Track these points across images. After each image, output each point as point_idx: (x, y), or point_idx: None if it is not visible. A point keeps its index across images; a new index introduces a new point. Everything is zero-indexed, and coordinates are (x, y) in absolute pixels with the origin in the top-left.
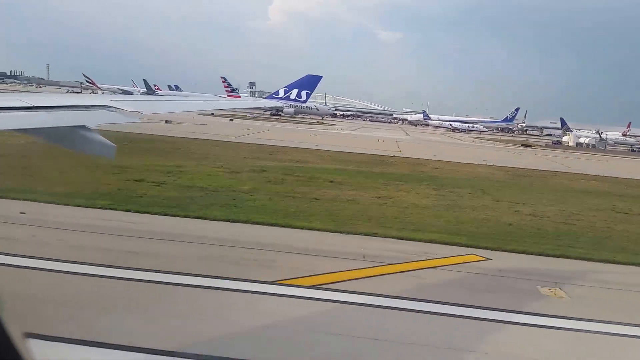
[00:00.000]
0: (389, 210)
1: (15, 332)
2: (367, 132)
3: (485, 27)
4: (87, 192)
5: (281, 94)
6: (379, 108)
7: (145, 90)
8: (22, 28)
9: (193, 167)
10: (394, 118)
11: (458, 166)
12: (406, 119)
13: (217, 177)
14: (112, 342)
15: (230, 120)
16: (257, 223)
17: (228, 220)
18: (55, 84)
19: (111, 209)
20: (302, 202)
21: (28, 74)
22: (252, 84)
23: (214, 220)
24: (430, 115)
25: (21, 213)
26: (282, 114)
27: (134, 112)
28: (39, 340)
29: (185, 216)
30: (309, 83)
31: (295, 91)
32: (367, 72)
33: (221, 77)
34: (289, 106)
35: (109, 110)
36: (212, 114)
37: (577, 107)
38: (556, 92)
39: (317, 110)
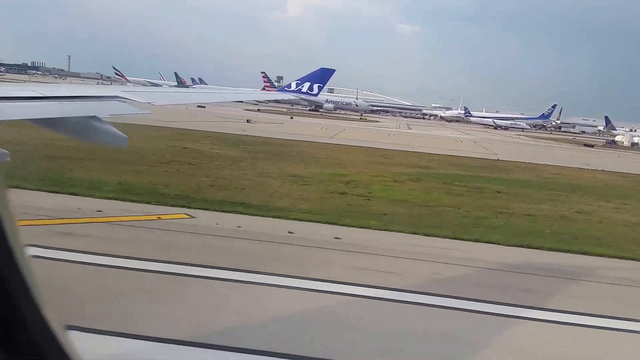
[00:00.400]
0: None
1: (56, 324)
2: (424, 130)
3: (505, 21)
4: (328, 209)
5: (293, 86)
6: (407, 103)
7: (175, 83)
8: (40, 19)
9: (351, 174)
10: (424, 114)
11: (574, 172)
12: (436, 115)
13: (392, 187)
14: None
15: (291, 118)
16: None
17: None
18: (76, 75)
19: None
20: (550, 222)
21: (48, 65)
22: (279, 78)
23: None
24: (471, 112)
25: (336, 238)
26: (322, 110)
27: (145, 103)
28: (79, 332)
29: (495, 243)
30: (322, 76)
31: (307, 84)
32: (384, 65)
33: (261, 72)
34: (329, 102)
35: (120, 101)
36: (259, 109)
37: (594, 103)
38: (574, 88)
39: (357, 106)
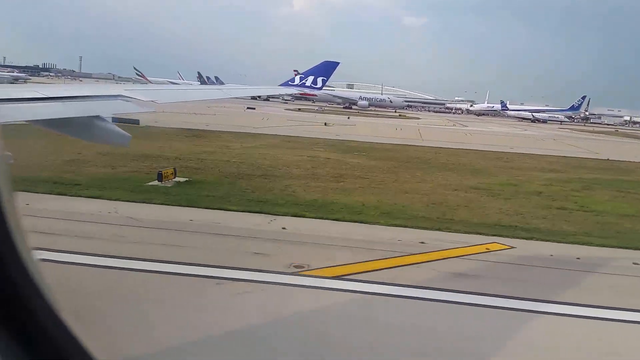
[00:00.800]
0: None
1: (73, 324)
2: (481, 126)
3: (511, 11)
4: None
5: (297, 81)
6: (430, 97)
7: (197, 82)
8: (49, 20)
9: (523, 183)
10: (447, 107)
11: None
12: (460, 109)
13: (593, 197)
14: None
15: (348, 118)
16: None
17: None
18: (88, 75)
19: None
20: None
21: (59, 67)
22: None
23: None
24: (508, 105)
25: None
26: (356, 107)
27: (148, 101)
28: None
29: None
30: (325, 70)
31: (311, 78)
32: (390, 58)
33: (294, 70)
34: (363, 99)
35: (123, 100)
36: (299, 109)
37: (604, 91)
38: (581, 78)
39: (391, 102)
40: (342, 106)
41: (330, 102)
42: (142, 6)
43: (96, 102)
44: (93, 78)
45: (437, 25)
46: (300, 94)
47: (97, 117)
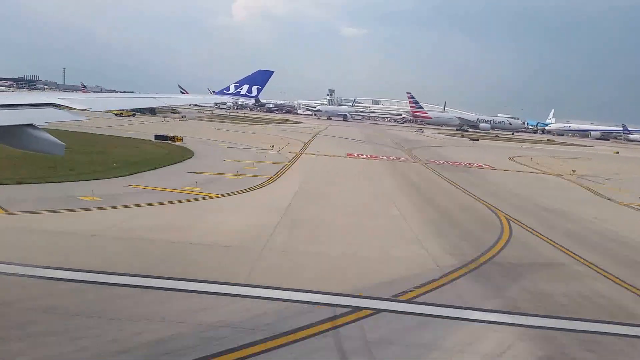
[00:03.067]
0: None
1: None
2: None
3: (455, 23)
4: None
5: (232, 89)
6: (504, 116)
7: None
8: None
9: None
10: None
11: None
12: (529, 128)
13: None
14: None
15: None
16: None
17: None
18: (75, 88)
19: None
20: None
21: (41, 78)
22: (331, 91)
23: None
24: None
25: None
26: (479, 130)
27: (82, 109)
28: None
29: None
30: (261, 78)
31: (246, 86)
32: (330, 68)
33: (407, 93)
34: (482, 121)
35: (56, 108)
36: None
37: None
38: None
39: (510, 124)
40: (455, 129)
41: (446, 124)
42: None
43: (29, 110)
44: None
45: (378, 37)
46: (414, 114)
47: (30, 125)
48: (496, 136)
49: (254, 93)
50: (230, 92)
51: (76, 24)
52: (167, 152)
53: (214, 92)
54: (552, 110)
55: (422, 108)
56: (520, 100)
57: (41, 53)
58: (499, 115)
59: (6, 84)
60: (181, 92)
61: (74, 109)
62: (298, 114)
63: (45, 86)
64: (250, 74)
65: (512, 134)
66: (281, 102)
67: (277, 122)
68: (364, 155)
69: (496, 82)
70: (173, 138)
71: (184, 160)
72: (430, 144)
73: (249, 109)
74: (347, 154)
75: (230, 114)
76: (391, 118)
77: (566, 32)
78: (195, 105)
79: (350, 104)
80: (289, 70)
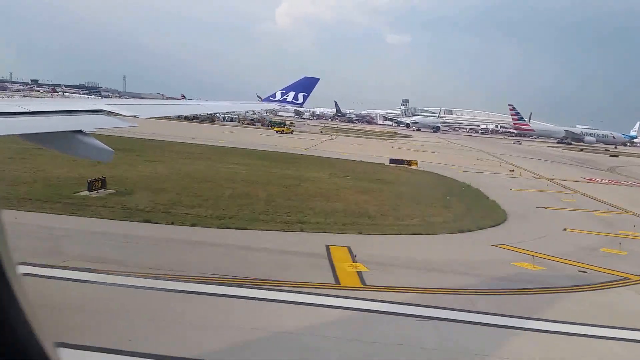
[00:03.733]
0: None
1: (46, 340)
2: None
3: (500, 29)
4: None
5: (278, 96)
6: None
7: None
8: (29, 32)
9: None
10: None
11: None
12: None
13: None
14: None
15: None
16: None
17: None
18: (137, 95)
19: None
20: None
21: (102, 85)
22: (405, 101)
23: None
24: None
25: None
26: (583, 143)
27: (130, 116)
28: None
29: None
30: (306, 85)
31: (292, 94)
32: (374, 75)
33: (509, 105)
34: (586, 134)
35: (105, 114)
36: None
37: (593, 110)
38: (569, 96)
39: (614, 138)
40: (556, 140)
41: (548, 137)
42: (117, 20)
43: (78, 117)
44: (142, 98)
45: (422, 43)
46: (516, 126)
47: (80, 131)
48: (606, 150)
49: (300, 100)
50: (276, 98)
51: (132, 35)
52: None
53: (261, 99)
54: (638, 122)
55: (525, 120)
56: (589, 112)
57: (100, 61)
58: (577, 126)
59: (72, 91)
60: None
61: (123, 115)
62: (377, 124)
63: (110, 93)
64: (295, 80)
65: (616, 147)
66: (362, 112)
67: (381, 136)
68: None
69: (560, 90)
70: (409, 162)
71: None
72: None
73: (330, 119)
74: None
75: (310, 124)
76: (480, 129)
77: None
78: (247, 111)
79: (426, 114)
80: (366, 81)
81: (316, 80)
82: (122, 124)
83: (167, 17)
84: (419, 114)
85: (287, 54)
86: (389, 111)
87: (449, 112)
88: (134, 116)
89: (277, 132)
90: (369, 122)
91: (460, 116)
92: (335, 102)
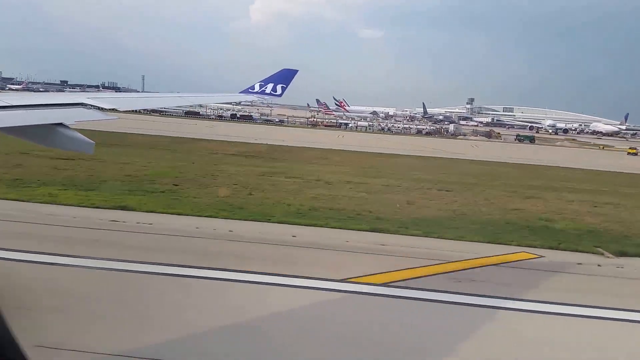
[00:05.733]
0: None
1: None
2: None
3: (470, 23)
4: None
5: (257, 88)
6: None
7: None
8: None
9: None
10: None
11: None
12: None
13: None
14: None
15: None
16: None
17: None
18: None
19: None
20: None
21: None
22: (471, 100)
23: None
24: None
25: None
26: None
27: (110, 109)
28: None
29: None
30: (285, 77)
31: (270, 85)
32: (350, 70)
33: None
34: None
35: (85, 107)
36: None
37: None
38: (540, 84)
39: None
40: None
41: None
42: (92, 19)
43: (59, 110)
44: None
45: (393, 38)
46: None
47: (60, 124)
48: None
49: (279, 92)
50: (255, 90)
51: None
52: None
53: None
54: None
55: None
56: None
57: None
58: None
59: (93, 91)
60: (336, 104)
61: (103, 108)
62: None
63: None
64: (274, 72)
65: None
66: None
67: None
68: None
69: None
70: None
71: None
72: None
73: (416, 120)
74: None
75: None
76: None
77: None
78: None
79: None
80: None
81: (295, 71)
82: (103, 116)
83: (142, 17)
84: (484, 112)
85: (262, 50)
86: (447, 110)
87: (508, 109)
88: (113, 109)
89: None
90: (530, 129)
91: (536, 115)
92: (424, 104)
